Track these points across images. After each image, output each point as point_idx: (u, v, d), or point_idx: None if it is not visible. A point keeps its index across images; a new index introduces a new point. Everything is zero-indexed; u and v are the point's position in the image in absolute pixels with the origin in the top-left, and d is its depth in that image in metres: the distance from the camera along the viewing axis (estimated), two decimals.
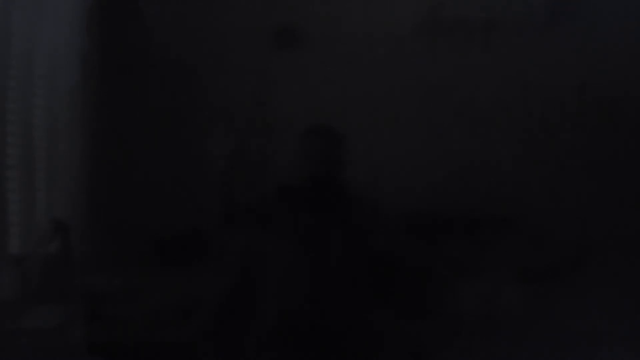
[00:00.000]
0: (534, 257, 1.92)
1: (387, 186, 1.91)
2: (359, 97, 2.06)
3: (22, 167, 1.87)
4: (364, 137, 2.00)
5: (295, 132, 1.84)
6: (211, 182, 2.10)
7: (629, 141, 1.94)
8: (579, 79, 1.95)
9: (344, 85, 2.07)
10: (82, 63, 2.04)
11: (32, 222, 1.91)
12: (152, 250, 2.10)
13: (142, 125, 2.13)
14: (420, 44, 2.06)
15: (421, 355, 1.86)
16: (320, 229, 1.82)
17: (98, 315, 1.78)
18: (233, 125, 2.14)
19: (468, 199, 2.00)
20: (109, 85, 2.10)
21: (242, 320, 1.88)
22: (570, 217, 1.95)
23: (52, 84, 1.98)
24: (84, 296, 1.82)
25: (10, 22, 1.80)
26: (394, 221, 1.86)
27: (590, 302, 1.83)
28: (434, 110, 2.05)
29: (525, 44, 2.00)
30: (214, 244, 2.05)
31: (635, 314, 1.83)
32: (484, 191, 1.99)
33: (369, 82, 2.07)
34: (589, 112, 1.96)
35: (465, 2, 2.05)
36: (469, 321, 1.89)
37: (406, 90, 2.06)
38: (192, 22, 2.15)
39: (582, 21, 1.97)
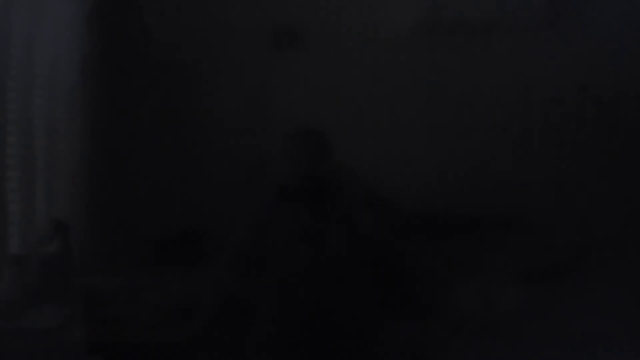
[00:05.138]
0: (535, 257, 1.92)
1: (390, 185, 1.91)
2: (356, 98, 2.06)
3: (22, 167, 1.87)
4: (363, 138, 2.00)
5: (293, 134, 1.85)
6: (209, 182, 2.10)
7: (629, 141, 1.94)
8: (580, 79, 1.95)
9: (340, 86, 2.06)
10: (83, 63, 2.04)
11: (32, 222, 1.91)
12: (152, 250, 2.10)
13: (141, 125, 2.13)
14: (419, 45, 2.06)
15: (421, 356, 1.86)
16: (313, 229, 1.82)
17: (98, 315, 1.78)
18: (231, 125, 2.14)
19: (461, 199, 2.00)
20: (109, 85, 2.10)
21: (242, 321, 1.88)
22: (572, 217, 1.95)
23: (52, 84, 1.98)
24: (84, 296, 1.82)
25: (10, 22, 1.80)
26: (387, 221, 1.86)
27: (592, 302, 1.83)
28: (432, 110, 2.05)
29: (525, 44, 2.00)
30: (212, 244, 2.05)
31: (635, 314, 1.83)
32: (479, 192, 1.99)
33: (367, 83, 2.06)
34: (589, 112, 1.96)
35: (465, 2, 2.05)
36: (469, 321, 1.89)
37: (405, 90, 2.05)
38: (192, 23, 2.15)
39: (583, 21, 1.97)
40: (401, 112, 2.05)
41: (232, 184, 1.97)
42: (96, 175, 2.07)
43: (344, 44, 2.07)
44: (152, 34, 2.12)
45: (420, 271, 1.89)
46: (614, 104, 1.94)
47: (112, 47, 2.11)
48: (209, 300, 1.86)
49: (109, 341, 1.76)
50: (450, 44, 2.03)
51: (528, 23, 1.99)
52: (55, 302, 1.79)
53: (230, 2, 2.13)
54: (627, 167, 1.93)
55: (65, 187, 2.04)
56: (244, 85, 2.12)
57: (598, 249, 1.89)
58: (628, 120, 1.94)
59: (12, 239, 1.85)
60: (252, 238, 1.88)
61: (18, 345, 1.65)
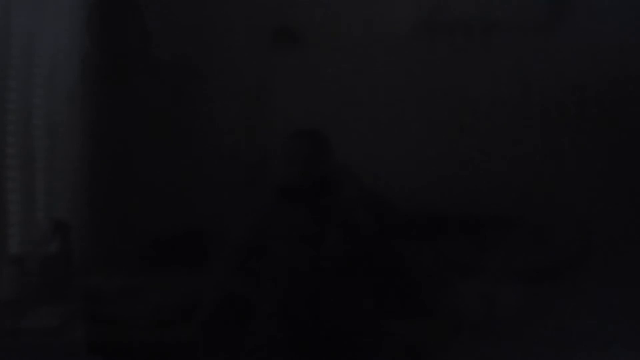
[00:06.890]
0: (535, 257, 1.93)
1: (390, 185, 1.92)
2: (356, 98, 2.06)
3: (22, 167, 1.88)
4: (362, 138, 2.00)
5: (293, 134, 1.86)
6: (209, 182, 2.10)
7: (629, 141, 1.94)
8: (579, 79, 1.96)
9: (340, 86, 2.06)
10: (83, 63, 2.04)
11: (32, 222, 1.91)
12: (152, 250, 2.10)
13: (141, 125, 2.13)
14: (419, 45, 2.06)
15: (421, 355, 1.86)
16: (313, 229, 1.83)
17: (98, 315, 1.78)
18: (231, 125, 2.14)
19: (461, 199, 2.00)
20: (109, 85, 2.10)
21: (242, 320, 1.88)
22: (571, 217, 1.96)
23: (52, 84, 1.98)
24: (84, 296, 1.82)
25: (10, 22, 1.81)
26: (386, 220, 1.86)
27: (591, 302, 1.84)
28: (432, 110, 2.05)
29: (524, 44, 2.00)
30: (213, 244, 2.05)
31: (635, 314, 1.83)
32: (478, 192, 1.99)
33: (367, 83, 2.07)
34: (588, 112, 1.97)
35: (465, 2, 2.05)
36: (469, 321, 1.89)
37: (405, 90, 2.06)
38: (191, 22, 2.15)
39: (582, 22, 1.97)
40: (401, 111, 2.05)
41: (233, 184, 1.97)
42: (96, 175, 2.07)
43: (344, 44, 2.08)
44: (152, 33, 2.12)
45: (420, 271, 1.89)
46: (613, 104, 1.94)
47: (112, 47, 2.11)
48: (209, 300, 1.87)
49: (109, 341, 1.76)
50: (450, 44, 2.03)
51: (528, 23, 1.99)
52: (55, 302, 1.80)
53: (231, 2, 2.13)
54: (627, 167, 1.93)
55: (65, 187, 2.04)
56: (244, 85, 2.13)
57: (598, 249, 1.89)
58: (628, 120, 1.94)
59: (12, 239, 1.85)
60: (252, 238, 1.88)
61: (18, 345, 1.65)
